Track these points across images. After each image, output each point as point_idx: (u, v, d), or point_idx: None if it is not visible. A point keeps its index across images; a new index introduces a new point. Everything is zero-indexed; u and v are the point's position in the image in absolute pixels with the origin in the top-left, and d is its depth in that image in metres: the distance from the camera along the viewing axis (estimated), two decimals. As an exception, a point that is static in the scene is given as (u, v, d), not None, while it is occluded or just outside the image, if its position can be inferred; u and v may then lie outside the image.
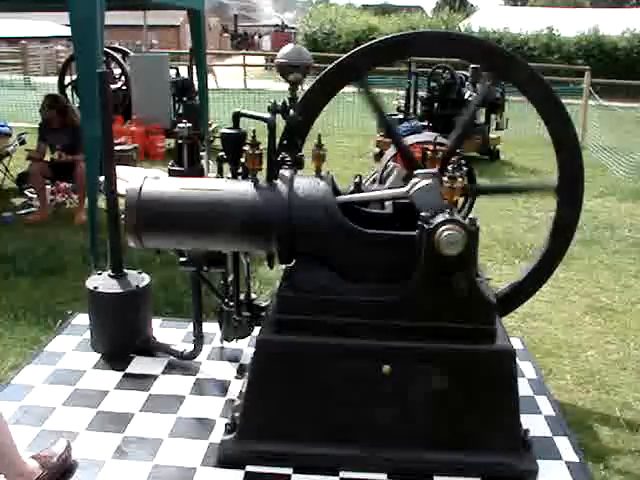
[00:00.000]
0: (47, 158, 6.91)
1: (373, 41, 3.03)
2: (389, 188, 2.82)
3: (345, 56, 3.04)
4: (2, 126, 7.96)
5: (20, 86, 19.07)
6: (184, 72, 10.65)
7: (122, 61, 11.07)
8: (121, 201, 2.83)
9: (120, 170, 3.85)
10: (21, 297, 4.71)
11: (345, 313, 2.42)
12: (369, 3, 42.60)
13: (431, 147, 3.05)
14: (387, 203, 2.81)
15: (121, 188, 3.04)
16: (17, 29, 25.79)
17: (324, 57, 15.09)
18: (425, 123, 9.87)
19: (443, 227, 2.26)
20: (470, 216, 2.33)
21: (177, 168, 2.84)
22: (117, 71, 11.01)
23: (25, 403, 2.79)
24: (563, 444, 2.61)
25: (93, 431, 2.62)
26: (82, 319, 3.46)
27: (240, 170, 2.66)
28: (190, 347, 3.14)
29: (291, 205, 2.40)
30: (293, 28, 32.31)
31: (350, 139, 11.64)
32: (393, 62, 3.45)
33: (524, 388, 2.91)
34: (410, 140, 3.54)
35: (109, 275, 3.29)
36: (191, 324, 3.16)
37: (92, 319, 3.26)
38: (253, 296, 3.09)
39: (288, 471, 2.41)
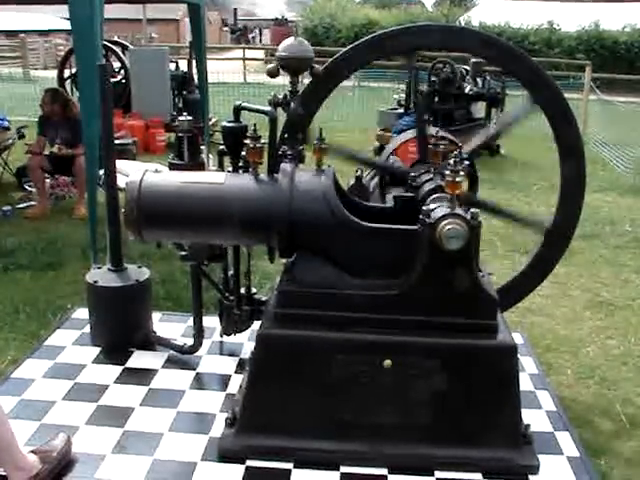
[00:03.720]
0: (46, 152, 6.90)
1: (374, 34, 3.03)
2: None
3: (344, 50, 3.04)
4: (1, 120, 7.94)
5: (19, 79, 19.05)
6: (184, 66, 10.64)
7: (122, 55, 11.05)
8: (121, 195, 2.82)
9: (120, 164, 3.84)
10: (21, 291, 4.71)
11: (346, 307, 2.41)
12: (369, -3, 42.42)
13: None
14: (388, 197, 2.80)
15: (121, 182, 3.03)
16: (16, 22, 25.71)
17: (324, 51, 15.07)
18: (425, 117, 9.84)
19: (445, 221, 2.24)
20: (472, 210, 2.32)
21: (177, 162, 2.83)
22: (117, 65, 10.99)
23: (25, 397, 2.78)
24: (564, 439, 2.60)
25: (93, 425, 2.61)
26: (82, 313, 3.45)
27: (241, 164, 2.66)
28: (190, 341, 3.13)
29: (292, 199, 2.38)
30: (293, 22, 32.27)
31: (350, 133, 11.61)
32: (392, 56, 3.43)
33: (525, 383, 2.90)
34: (411, 134, 3.53)
35: (109, 269, 3.28)
36: (191, 318, 3.15)
37: (92, 313, 3.25)
38: (253, 290, 3.08)
39: (289, 466, 2.40)
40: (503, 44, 3.12)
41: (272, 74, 2.62)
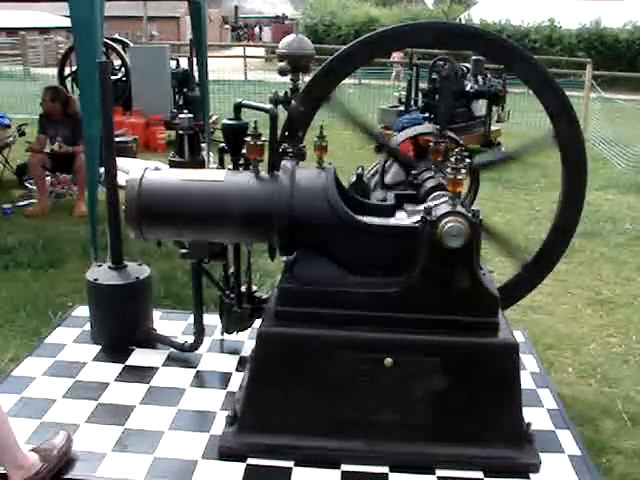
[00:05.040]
0: (47, 149, 6.89)
1: (375, 31, 3.02)
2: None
3: (347, 46, 3.03)
4: (2, 117, 7.94)
5: (20, 77, 19.05)
6: (184, 63, 10.63)
7: (122, 52, 11.04)
8: (121, 193, 2.81)
9: (120, 161, 3.83)
10: (21, 289, 4.70)
11: (346, 305, 2.40)
12: (370, -6, 42.43)
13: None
14: (389, 195, 2.79)
15: (121, 179, 3.02)
16: (16, 20, 25.71)
17: (324, 49, 15.05)
18: (426, 115, 9.84)
19: (446, 219, 2.24)
20: (473, 208, 2.31)
21: (178, 159, 2.82)
22: (117, 62, 10.98)
23: (25, 395, 2.78)
24: (565, 437, 2.59)
25: (93, 423, 2.60)
26: (82, 311, 3.45)
27: (241, 161, 2.65)
28: (191, 339, 3.12)
29: (293, 196, 2.38)
30: (293, 19, 32.29)
31: (351, 130, 11.61)
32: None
33: (526, 381, 2.89)
34: (411, 132, 3.52)
35: (109, 267, 3.27)
36: (192, 316, 3.14)
37: (92, 311, 3.24)
38: (254, 288, 3.08)
39: (289, 464, 2.39)
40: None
41: (283, 72, 2.62)
